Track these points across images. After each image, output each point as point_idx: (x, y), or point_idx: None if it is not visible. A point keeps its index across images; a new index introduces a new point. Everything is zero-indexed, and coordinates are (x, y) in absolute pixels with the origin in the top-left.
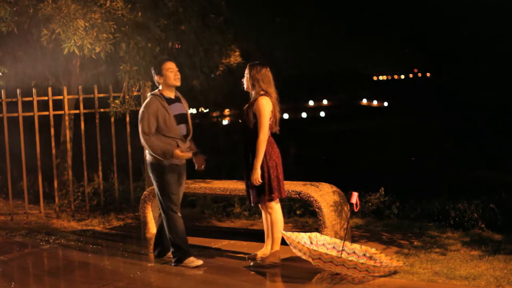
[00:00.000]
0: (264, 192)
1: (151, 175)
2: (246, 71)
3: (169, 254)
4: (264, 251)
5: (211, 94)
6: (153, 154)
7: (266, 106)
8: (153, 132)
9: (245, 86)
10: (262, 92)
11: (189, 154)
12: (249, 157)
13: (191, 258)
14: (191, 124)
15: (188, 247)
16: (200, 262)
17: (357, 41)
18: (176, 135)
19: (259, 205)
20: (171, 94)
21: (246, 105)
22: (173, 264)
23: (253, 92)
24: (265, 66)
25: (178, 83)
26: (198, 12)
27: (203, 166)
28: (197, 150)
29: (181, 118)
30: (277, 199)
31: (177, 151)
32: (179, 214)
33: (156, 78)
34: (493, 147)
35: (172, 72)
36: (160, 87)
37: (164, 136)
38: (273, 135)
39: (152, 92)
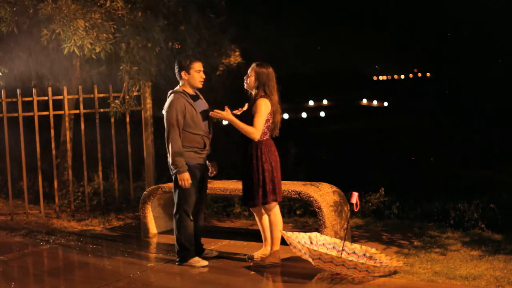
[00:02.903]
0: (258, 195)
1: (172, 172)
2: (251, 71)
3: (194, 260)
4: (263, 251)
5: (211, 94)
6: (172, 154)
7: (264, 107)
8: (181, 129)
9: (246, 84)
10: (262, 94)
11: (188, 183)
12: (246, 158)
13: (196, 258)
14: (212, 122)
15: (193, 248)
16: (205, 262)
17: (357, 41)
18: (203, 132)
19: (250, 209)
20: (192, 92)
21: (246, 108)
22: (177, 263)
23: (253, 91)
24: (271, 67)
25: (201, 86)
26: (197, 12)
27: (214, 173)
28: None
29: (205, 115)
30: (275, 202)
31: (186, 175)
32: (191, 218)
33: (182, 74)
34: (494, 147)
35: (199, 73)
36: (181, 83)
37: (191, 133)
38: (273, 136)
39: (174, 90)
